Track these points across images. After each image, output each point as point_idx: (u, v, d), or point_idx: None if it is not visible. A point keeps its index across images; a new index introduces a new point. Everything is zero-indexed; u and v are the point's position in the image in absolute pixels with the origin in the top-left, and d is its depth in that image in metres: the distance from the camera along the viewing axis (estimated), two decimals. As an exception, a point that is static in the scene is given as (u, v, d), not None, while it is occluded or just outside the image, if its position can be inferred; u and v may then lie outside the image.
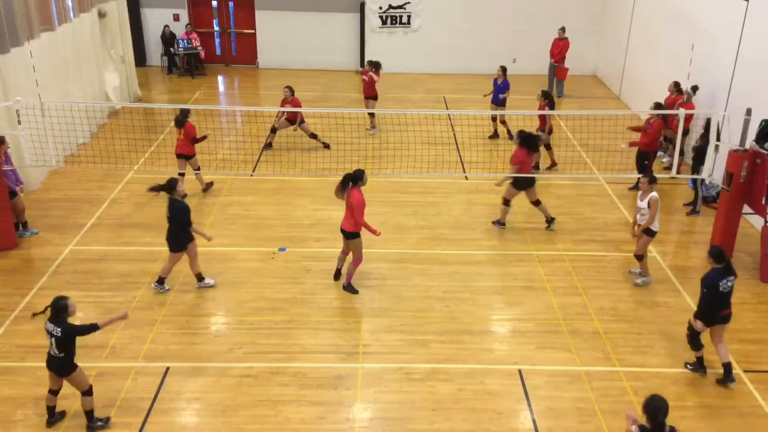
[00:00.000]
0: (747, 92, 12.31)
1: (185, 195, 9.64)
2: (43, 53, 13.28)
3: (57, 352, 7.05)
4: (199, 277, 9.92)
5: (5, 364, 8.36)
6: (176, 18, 21.31)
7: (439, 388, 8.11)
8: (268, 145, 15.13)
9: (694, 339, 8.29)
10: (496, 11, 20.97)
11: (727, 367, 8.22)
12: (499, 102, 15.85)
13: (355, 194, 9.39)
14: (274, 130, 15.08)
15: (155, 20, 21.15)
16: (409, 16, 21.29)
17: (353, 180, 9.46)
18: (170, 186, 9.35)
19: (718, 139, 11.26)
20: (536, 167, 13.78)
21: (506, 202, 11.75)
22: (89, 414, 7.38)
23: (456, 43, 21.24)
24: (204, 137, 12.83)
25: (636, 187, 13.40)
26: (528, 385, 8.17)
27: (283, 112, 14.61)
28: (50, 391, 7.39)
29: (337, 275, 10.18)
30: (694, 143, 12.36)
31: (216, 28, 21.99)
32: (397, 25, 21.38)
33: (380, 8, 21.13)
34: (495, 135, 16.09)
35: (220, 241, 11.21)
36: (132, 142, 14.48)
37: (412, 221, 12.08)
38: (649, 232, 9.81)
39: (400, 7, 21.17)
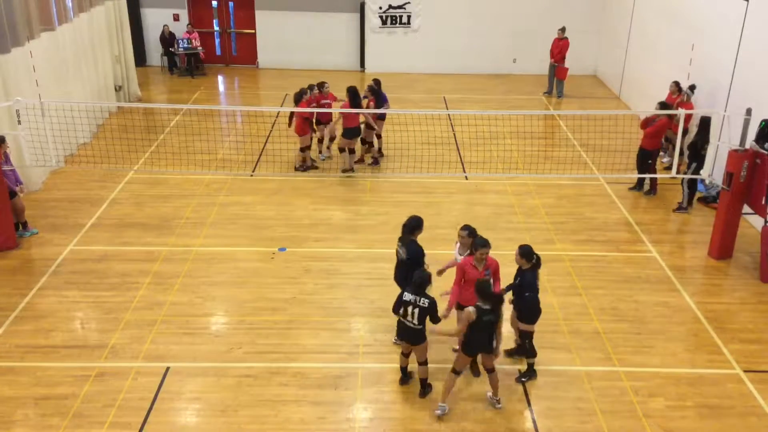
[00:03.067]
0: (747, 92, 12.31)
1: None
2: (43, 53, 13.29)
3: (416, 324, 7.52)
4: None
5: (5, 364, 8.36)
6: (176, 18, 21.33)
7: (439, 388, 8.10)
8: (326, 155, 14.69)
9: (531, 345, 8.15)
10: (497, 11, 20.96)
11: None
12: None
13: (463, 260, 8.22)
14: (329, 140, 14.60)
15: (155, 20, 21.16)
16: (409, 16, 21.29)
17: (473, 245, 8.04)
18: (415, 225, 8.60)
19: (717, 139, 11.27)
20: (361, 160, 14.40)
21: (341, 150, 13.74)
22: (423, 381, 7.95)
23: (456, 43, 21.25)
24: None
25: (636, 187, 13.42)
26: (528, 385, 8.17)
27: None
28: (403, 354, 8.07)
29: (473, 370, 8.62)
30: (690, 140, 12.35)
31: (216, 28, 22.01)
32: (397, 25, 21.38)
33: (380, 8, 21.13)
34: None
35: (220, 241, 11.23)
36: (132, 142, 14.49)
37: (412, 221, 12.06)
38: None
39: (400, 7, 21.18)
